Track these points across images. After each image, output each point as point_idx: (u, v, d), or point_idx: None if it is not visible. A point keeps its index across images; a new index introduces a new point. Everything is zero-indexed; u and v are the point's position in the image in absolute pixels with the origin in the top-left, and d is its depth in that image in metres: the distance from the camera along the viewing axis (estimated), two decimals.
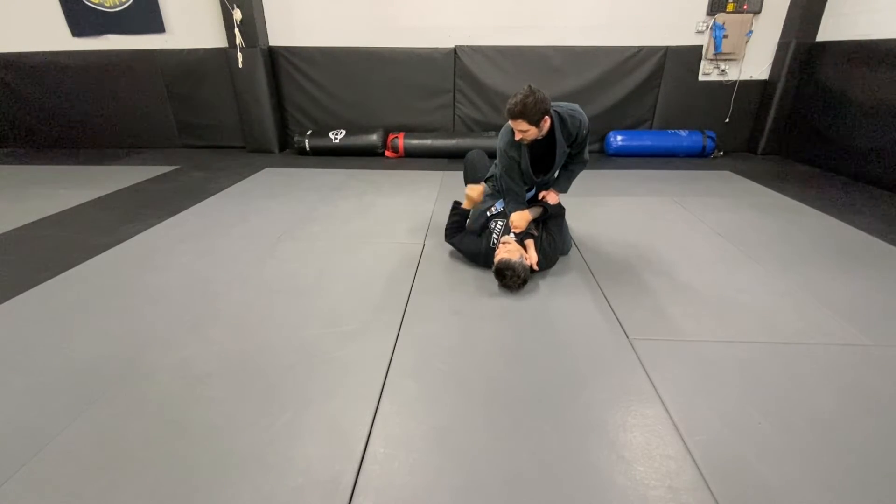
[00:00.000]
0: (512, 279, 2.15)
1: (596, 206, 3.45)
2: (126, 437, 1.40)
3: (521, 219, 2.33)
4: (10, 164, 4.93)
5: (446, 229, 2.59)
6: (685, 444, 1.36)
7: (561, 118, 2.23)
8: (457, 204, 2.62)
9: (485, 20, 4.92)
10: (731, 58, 4.90)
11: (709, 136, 5.01)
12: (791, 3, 4.68)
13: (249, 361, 1.73)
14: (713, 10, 4.75)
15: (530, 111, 2.04)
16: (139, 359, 1.75)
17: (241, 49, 4.87)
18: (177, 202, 3.59)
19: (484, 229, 2.52)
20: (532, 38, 4.94)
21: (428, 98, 5.26)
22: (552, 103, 2.15)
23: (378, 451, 1.35)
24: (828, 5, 4.54)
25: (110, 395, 1.57)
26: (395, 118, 5.35)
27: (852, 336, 1.88)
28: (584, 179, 2.96)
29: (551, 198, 2.53)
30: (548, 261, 2.39)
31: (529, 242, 2.37)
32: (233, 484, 1.24)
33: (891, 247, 2.74)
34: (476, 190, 2.54)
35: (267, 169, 4.65)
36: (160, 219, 3.24)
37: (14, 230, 3.05)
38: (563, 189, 2.59)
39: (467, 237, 2.51)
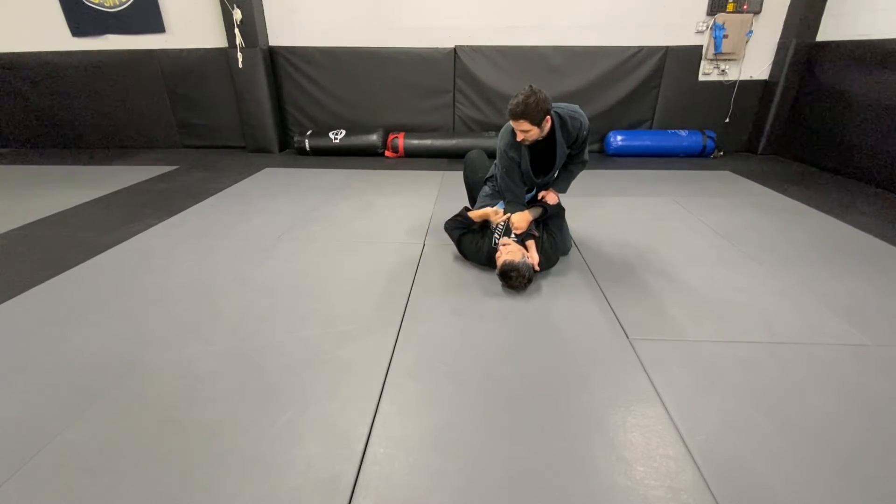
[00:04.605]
0: (518, 280, 2.15)
1: (596, 206, 3.45)
2: (126, 437, 1.40)
3: (521, 219, 2.33)
4: (10, 164, 4.93)
5: (448, 221, 2.57)
6: (685, 444, 1.36)
7: (561, 119, 2.23)
8: (466, 209, 2.60)
9: (485, 20, 4.92)
10: (731, 58, 4.91)
11: (709, 136, 5.01)
12: (791, 3, 4.68)
13: (249, 361, 1.73)
14: (713, 10, 4.75)
15: (532, 111, 2.04)
16: (139, 359, 1.75)
17: (241, 49, 4.87)
18: (177, 202, 3.59)
19: (485, 229, 2.52)
20: (532, 38, 4.94)
21: (428, 98, 5.26)
22: (553, 104, 2.15)
23: (378, 451, 1.35)
24: (828, 5, 4.54)
25: (110, 394, 1.57)
26: (395, 118, 5.35)
27: (852, 336, 1.88)
28: (584, 179, 2.96)
29: (550, 198, 2.53)
30: (549, 261, 2.39)
31: (531, 243, 2.37)
32: (233, 484, 1.24)
33: (891, 247, 2.74)
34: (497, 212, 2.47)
35: (267, 169, 4.65)
36: (160, 219, 3.24)
37: (14, 230, 3.05)
38: (562, 189, 2.59)
39: (466, 239, 2.49)
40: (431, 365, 1.72)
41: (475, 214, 2.50)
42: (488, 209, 2.47)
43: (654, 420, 1.46)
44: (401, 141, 5.11)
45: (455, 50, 5.03)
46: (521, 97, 2.05)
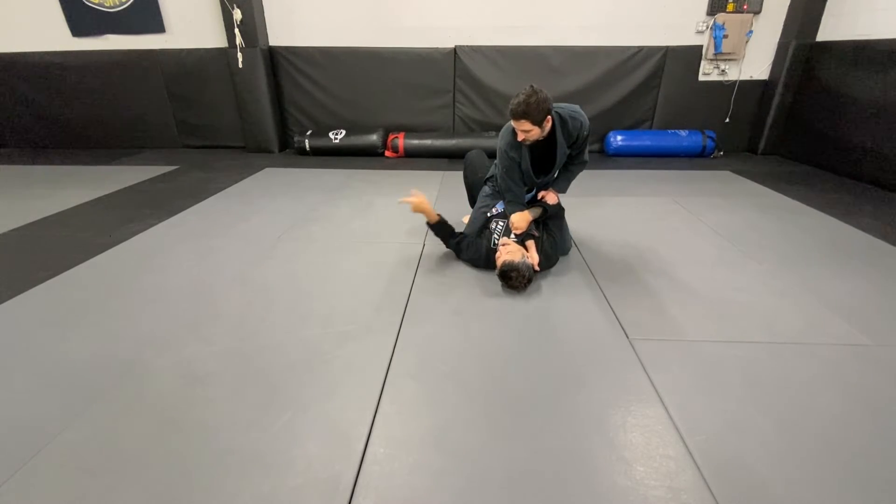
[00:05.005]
0: (517, 280, 2.15)
1: (596, 206, 3.45)
2: (126, 437, 1.40)
3: (521, 220, 2.32)
4: (11, 164, 4.93)
5: (444, 242, 2.56)
6: (685, 444, 1.36)
7: (562, 119, 2.23)
8: (427, 224, 2.53)
9: (485, 20, 4.92)
10: (731, 58, 4.90)
11: (709, 136, 5.01)
12: (791, 3, 4.68)
13: (249, 361, 1.73)
14: (713, 10, 4.75)
15: (534, 111, 2.04)
16: (139, 359, 1.75)
17: (241, 49, 4.87)
18: (177, 202, 3.59)
19: (484, 230, 2.52)
20: (532, 38, 4.94)
21: (428, 98, 5.26)
22: (553, 104, 2.15)
23: (378, 451, 1.35)
24: (828, 5, 4.54)
25: (110, 395, 1.57)
26: (395, 118, 5.35)
27: (852, 336, 1.88)
28: (584, 179, 2.96)
29: (550, 198, 2.53)
30: (549, 261, 2.39)
31: (531, 243, 2.37)
32: (232, 484, 1.24)
33: (891, 247, 2.74)
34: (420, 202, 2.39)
35: (267, 169, 4.65)
36: (160, 219, 3.24)
37: (14, 230, 3.05)
38: (562, 189, 2.59)
39: (465, 243, 2.49)
40: (431, 365, 1.72)
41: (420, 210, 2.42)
42: (412, 199, 2.39)
43: (654, 420, 1.46)
44: (401, 141, 5.11)
45: (455, 50, 5.03)
46: (522, 97, 2.05)
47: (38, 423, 1.45)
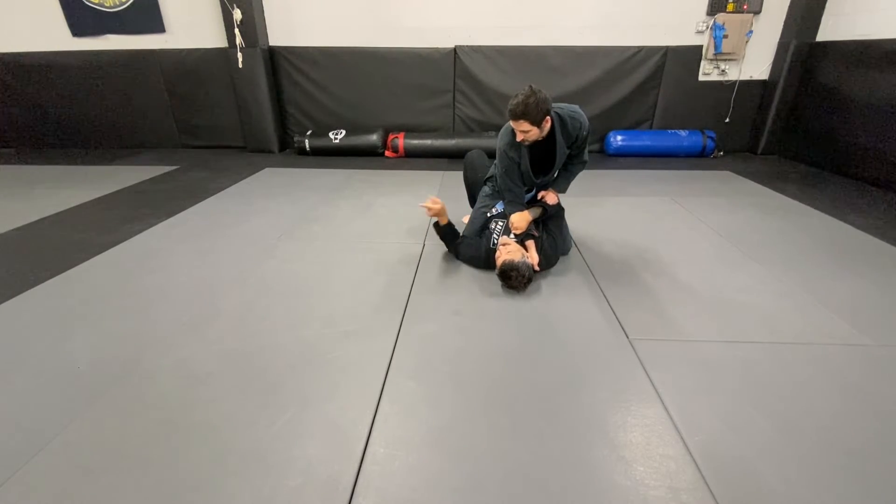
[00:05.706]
0: (517, 280, 2.15)
1: (596, 206, 3.45)
2: (126, 437, 1.40)
3: (521, 219, 2.32)
4: (11, 163, 4.93)
5: (444, 242, 2.59)
6: (685, 444, 1.36)
7: (561, 119, 2.23)
8: (436, 225, 2.57)
9: (485, 20, 4.92)
10: (731, 58, 4.91)
11: (709, 136, 5.01)
12: (791, 3, 4.68)
13: (249, 361, 1.73)
14: (713, 10, 4.75)
15: (532, 111, 2.04)
16: (139, 359, 1.75)
17: (241, 49, 4.87)
18: (177, 202, 3.59)
19: (483, 230, 2.52)
20: (532, 38, 4.94)
21: (428, 98, 5.26)
22: (552, 104, 2.15)
23: (378, 451, 1.35)
24: (828, 5, 4.54)
25: (110, 395, 1.57)
26: (395, 118, 5.35)
27: (853, 336, 1.88)
28: (584, 179, 2.96)
29: (550, 198, 2.53)
30: (549, 261, 2.39)
31: (531, 243, 2.37)
32: (232, 484, 1.24)
33: (891, 247, 2.74)
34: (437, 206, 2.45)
35: (267, 169, 4.65)
36: (160, 219, 3.24)
37: (14, 230, 3.05)
38: (561, 189, 2.59)
39: (465, 242, 2.50)
40: (431, 365, 1.72)
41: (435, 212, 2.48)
42: (436, 207, 2.44)
43: (654, 420, 1.46)
44: (401, 141, 5.11)
45: (455, 50, 5.03)
46: (521, 97, 2.05)
47: (38, 423, 1.45)
